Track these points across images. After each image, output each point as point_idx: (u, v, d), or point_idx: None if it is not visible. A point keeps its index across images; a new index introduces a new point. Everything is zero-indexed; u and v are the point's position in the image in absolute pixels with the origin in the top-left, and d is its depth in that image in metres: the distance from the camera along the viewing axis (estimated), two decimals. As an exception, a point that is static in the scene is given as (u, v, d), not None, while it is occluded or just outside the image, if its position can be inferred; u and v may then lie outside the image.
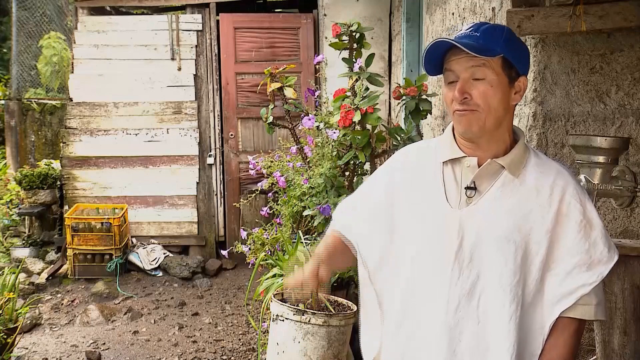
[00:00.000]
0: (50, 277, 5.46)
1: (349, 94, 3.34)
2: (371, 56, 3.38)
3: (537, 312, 1.43)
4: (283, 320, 2.55)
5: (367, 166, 3.51)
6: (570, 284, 1.41)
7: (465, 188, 1.46)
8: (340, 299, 2.78)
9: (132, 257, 5.76)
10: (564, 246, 1.42)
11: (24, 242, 6.08)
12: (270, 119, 3.59)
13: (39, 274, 5.53)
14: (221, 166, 6.28)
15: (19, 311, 3.69)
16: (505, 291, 1.40)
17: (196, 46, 6.09)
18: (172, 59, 6.05)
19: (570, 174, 1.48)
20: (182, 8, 6.31)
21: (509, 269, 1.40)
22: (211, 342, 4.26)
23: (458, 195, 1.47)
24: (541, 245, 1.42)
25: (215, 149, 6.20)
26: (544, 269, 1.42)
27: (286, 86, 3.54)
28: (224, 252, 3.89)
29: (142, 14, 6.68)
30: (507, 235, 1.41)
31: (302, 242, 3.02)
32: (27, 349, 4.08)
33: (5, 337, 3.39)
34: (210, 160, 6.17)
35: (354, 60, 3.35)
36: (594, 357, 1.93)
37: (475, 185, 1.46)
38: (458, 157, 1.49)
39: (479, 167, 1.46)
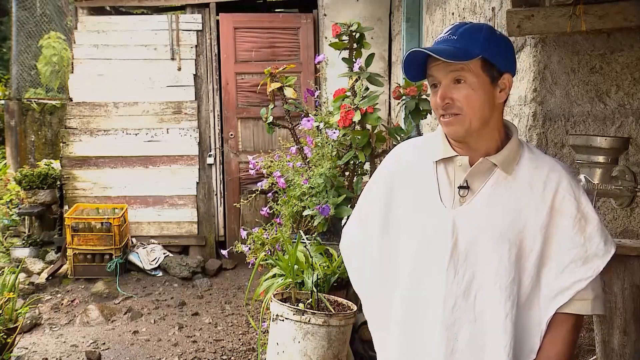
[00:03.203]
0: (50, 277, 5.45)
1: (349, 93, 3.33)
2: (371, 56, 3.38)
3: (534, 308, 1.43)
4: (283, 320, 2.55)
5: (367, 166, 3.51)
6: (566, 280, 1.41)
7: (458, 187, 1.46)
8: (340, 299, 2.77)
9: (132, 257, 5.76)
10: (559, 241, 1.42)
11: (23, 242, 6.08)
12: (270, 119, 3.58)
13: (38, 274, 5.53)
14: (221, 166, 6.28)
15: (18, 311, 3.68)
16: (501, 289, 1.40)
17: (196, 46, 6.09)
18: (172, 59, 6.05)
19: (564, 168, 1.47)
20: (182, 8, 6.31)
21: (503, 267, 1.40)
22: (211, 342, 4.26)
23: (451, 195, 1.47)
24: (536, 241, 1.41)
25: (215, 148, 6.20)
26: (540, 265, 1.42)
27: (286, 86, 3.54)
28: (224, 252, 3.88)
29: (142, 14, 6.68)
30: (500, 234, 1.41)
31: (302, 242, 3.01)
32: (27, 348, 4.08)
33: (5, 337, 3.39)
34: (210, 160, 6.17)
35: (354, 60, 3.35)
36: (594, 357, 1.93)
37: (467, 184, 1.45)
38: (450, 156, 1.48)
39: (470, 165, 1.46)
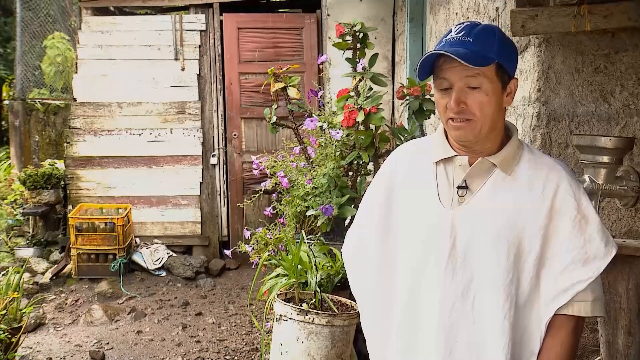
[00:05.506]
0: (54, 277, 5.47)
1: (352, 94, 3.33)
2: (375, 56, 3.38)
3: (534, 310, 1.42)
4: (287, 320, 2.55)
5: (370, 166, 3.51)
6: (565, 281, 1.39)
7: (456, 187, 1.45)
8: (343, 299, 2.77)
9: (136, 257, 5.77)
10: (558, 242, 1.40)
11: (28, 242, 6.09)
12: (274, 119, 3.58)
13: (43, 273, 5.54)
14: (224, 166, 6.29)
15: (23, 311, 3.69)
16: (499, 290, 1.39)
17: (200, 46, 6.10)
18: (176, 59, 6.06)
19: (564, 168, 1.45)
20: (185, 8, 6.32)
21: (501, 268, 1.39)
22: (215, 342, 4.27)
23: (450, 195, 1.45)
24: (535, 242, 1.40)
25: (218, 149, 6.21)
26: (539, 265, 1.40)
27: (290, 86, 3.54)
28: (228, 252, 3.88)
29: (146, 14, 6.69)
30: (499, 234, 1.40)
31: (305, 242, 3.01)
32: (31, 348, 4.09)
33: (9, 336, 3.40)
34: (213, 160, 6.17)
35: (357, 60, 3.35)
36: (599, 358, 1.93)
37: (466, 184, 1.44)
38: (450, 156, 1.47)
39: (470, 165, 1.45)
